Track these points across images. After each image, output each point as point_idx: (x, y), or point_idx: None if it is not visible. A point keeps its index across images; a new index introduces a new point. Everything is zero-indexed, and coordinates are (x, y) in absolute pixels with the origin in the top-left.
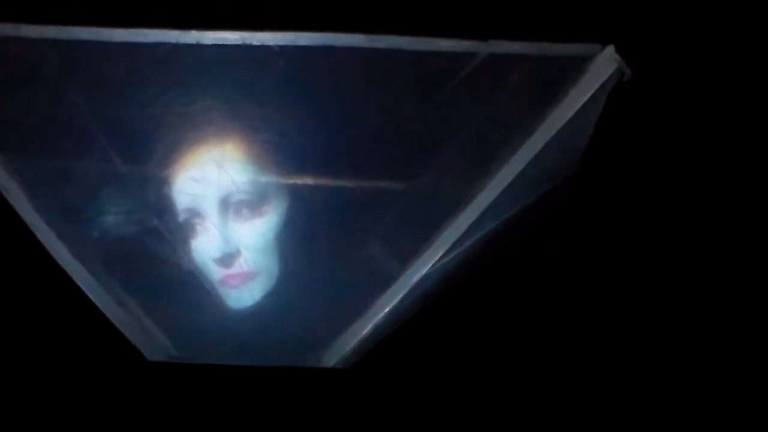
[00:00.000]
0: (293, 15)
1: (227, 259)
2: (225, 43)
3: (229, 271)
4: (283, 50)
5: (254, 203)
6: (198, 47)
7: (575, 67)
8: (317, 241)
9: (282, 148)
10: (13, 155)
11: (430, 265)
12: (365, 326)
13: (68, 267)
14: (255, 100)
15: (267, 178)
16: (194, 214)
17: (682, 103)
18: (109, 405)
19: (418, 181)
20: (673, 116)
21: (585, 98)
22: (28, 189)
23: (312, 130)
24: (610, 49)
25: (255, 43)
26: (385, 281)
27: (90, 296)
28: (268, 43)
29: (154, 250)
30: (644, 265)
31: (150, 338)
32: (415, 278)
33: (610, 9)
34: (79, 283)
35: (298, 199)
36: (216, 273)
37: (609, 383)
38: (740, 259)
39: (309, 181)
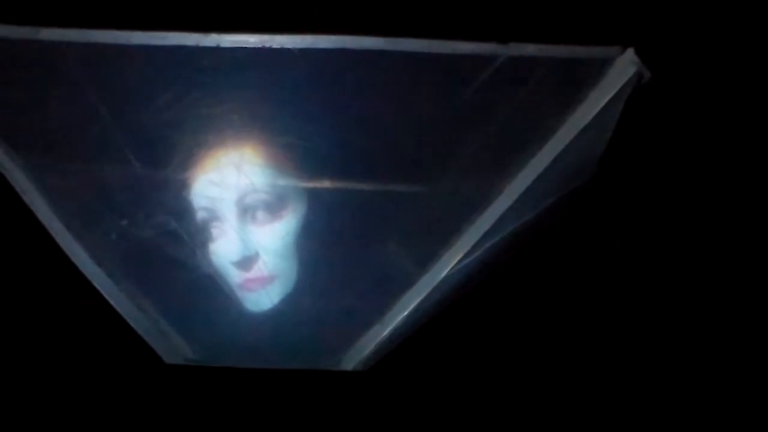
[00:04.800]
0: (312, 18)
1: (246, 262)
2: (244, 45)
3: (248, 275)
4: (303, 53)
5: (273, 206)
6: (217, 50)
7: (595, 70)
8: (336, 244)
9: (301, 151)
10: (32, 158)
11: (449, 268)
12: (384, 329)
13: (87, 270)
14: (274, 103)
15: (286, 181)
16: (213, 217)
17: (702, 106)
18: (127, 408)
19: (437, 184)
20: (692, 119)
21: (605, 101)
22: (47, 192)
23: (331, 133)
24: (630, 52)
25: (274, 46)
26: (404, 284)
27: (108, 299)
28: (287, 46)
29: (172, 254)
30: (662, 268)
31: (168, 341)
32: (434, 281)
33: (630, 11)
34: (98, 286)
35: (316, 202)
36: (235, 276)
37: (628, 385)
38: (762, 266)
39: (328, 184)
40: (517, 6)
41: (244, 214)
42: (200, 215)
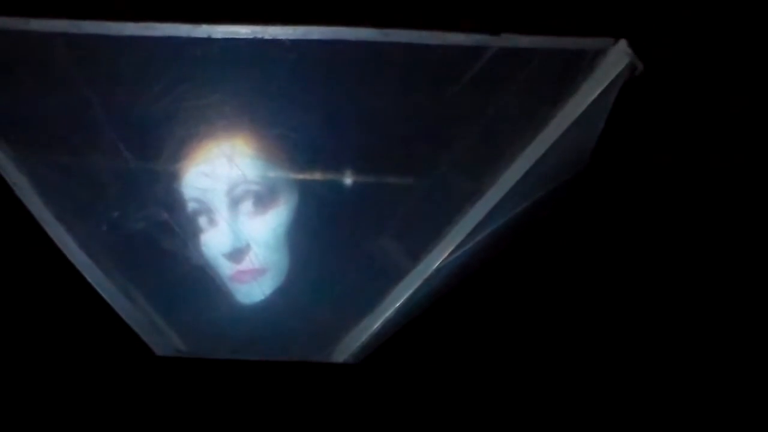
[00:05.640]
0: (304, 9)
1: (237, 254)
2: (236, 36)
3: (240, 267)
4: (294, 44)
5: (264, 198)
6: (209, 41)
7: (587, 61)
8: (327, 236)
9: (292, 142)
10: (22, 150)
11: (441, 260)
12: (375, 321)
13: (78, 262)
14: (265, 95)
15: (277, 173)
16: (204, 208)
17: (695, 98)
18: (118, 400)
19: (428, 176)
20: (685, 111)
21: (597, 92)
22: (38, 184)
23: (322, 125)
24: (623, 43)
25: (266, 37)
26: (395, 276)
27: (99, 291)
28: (279, 37)
29: (163, 245)
30: (652, 260)
31: (159, 333)
32: (426, 273)
33: (623, 2)
34: (89, 278)
35: (308, 194)
36: (226, 268)
37: (618, 380)
38: (752, 259)
39: (319, 176)
40: None
41: (235, 206)
42: (191, 207)
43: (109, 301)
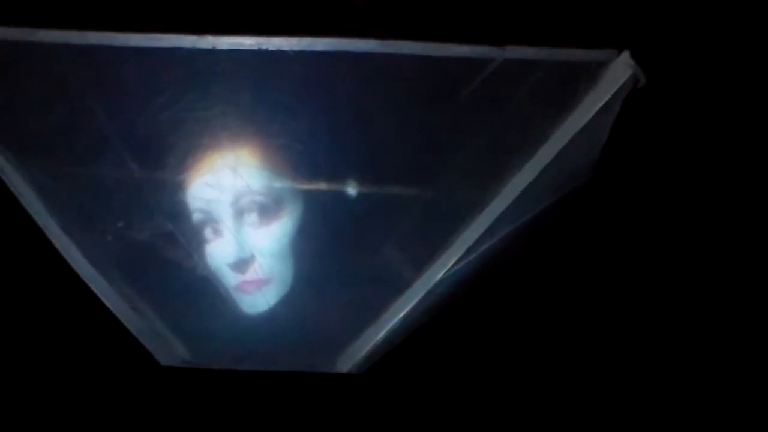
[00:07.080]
0: (308, 20)
1: (242, 264)
2: (240, 48)
3: (244, 277)
4: (298, 55)
5: (269, 208)
6: (213, 52)
7: (591, 73)
8: (331, 246)
9: (297, 153)
10: (28, 160)
11: (444, 270)
12: (379, 332)
13: (83, 272)
14: (270, 106)
15: (282, 184)
16: (209, 219)
17: (697, 110)
18: (123, 410)
19: (432, 187)
20: (688, 123)
21: (600, 104)
22: (43, 193)
23: (327, 136)
24: (626, 55)
25: (270, 48)
26: (399, 287)
27: (104, 301)
28: (283, 48)
29: (168, 256)
30: (656, 272)
31: (164, 343)
32: (429, 284)
33: (626, 15)
34: (94, 288)
35: (312, 204)
36: (231, 278)
37: (623, 388)
38: (756, 267)
39: (323, 186)
40: (514, 9)
41: (240, 216)
42: (196, 217)
43: (113, 310)
